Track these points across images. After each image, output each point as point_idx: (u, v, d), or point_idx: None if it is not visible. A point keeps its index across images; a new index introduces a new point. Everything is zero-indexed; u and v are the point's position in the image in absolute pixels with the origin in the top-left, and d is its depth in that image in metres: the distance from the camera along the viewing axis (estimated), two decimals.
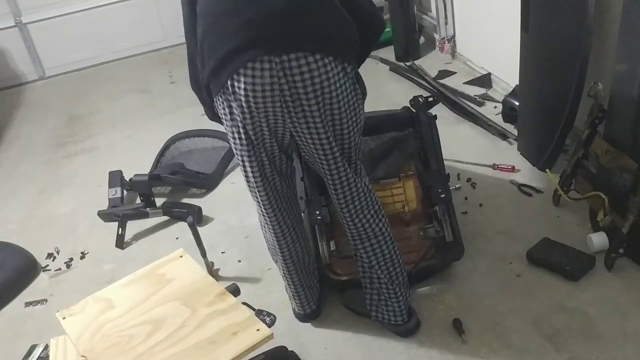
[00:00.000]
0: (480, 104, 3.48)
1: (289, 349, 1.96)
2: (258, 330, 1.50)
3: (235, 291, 1.75)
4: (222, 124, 1.87)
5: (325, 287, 2.32)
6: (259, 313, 1.71)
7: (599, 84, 2.33)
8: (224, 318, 1.55)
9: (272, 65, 1.65)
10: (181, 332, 1.53)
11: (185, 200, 3.11)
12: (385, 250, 2.02)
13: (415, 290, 2.27)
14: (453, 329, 2.10)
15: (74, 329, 1.62)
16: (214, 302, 1.60)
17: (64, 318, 1.66)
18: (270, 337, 1.49)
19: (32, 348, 2.34)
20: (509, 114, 3.12)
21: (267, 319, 1.71)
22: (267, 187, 1.94)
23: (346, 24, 1.75)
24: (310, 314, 2.26)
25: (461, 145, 3.10)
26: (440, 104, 3.41)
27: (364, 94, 1.89)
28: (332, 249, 2.32)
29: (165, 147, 3.49)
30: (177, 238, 2.87)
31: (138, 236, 2.94)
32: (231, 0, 1.70)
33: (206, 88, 1.81)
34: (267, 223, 2.04)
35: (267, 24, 1.65)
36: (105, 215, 3.03)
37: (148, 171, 3.24)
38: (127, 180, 3.13)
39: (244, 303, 1.74)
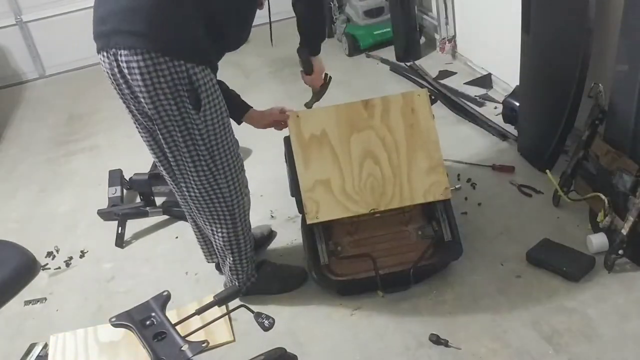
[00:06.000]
0: (481, 105, 3.47)
1: (288, 351, 1.95)
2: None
3: (235, 292, 1.74)
4: None
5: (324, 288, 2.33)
6: (258, 316, 1.70)
7: (600, 84, 2.33)
8: None
9: (106, 59, 1.85)
10: None
11: None
12: None
13: (414, 290, 2.27)
14: (453, 328, 2.11)
15: None
16: None
17: None
18: None
19: (32, 347, 2.34)
20: (509, 114, 3.12)
21: (266, 321, 1.70)
22: None
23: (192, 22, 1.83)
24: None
25: (461, 145, 3.10)
26: (441, 104, 3.42)
27: (197, 104, 1.90)
28: (330, 250, 2.32)
29: None
30: (176, 237, 2.87)
31: (138, 235, 2.94)
32: None
33: None
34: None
35: (106, 19, 1.84)
36: (105, 214, 3.02)
37: (148, 170, 3.23)
38: (127, 179, 3.12)
39: (242, 305, 1.74)
